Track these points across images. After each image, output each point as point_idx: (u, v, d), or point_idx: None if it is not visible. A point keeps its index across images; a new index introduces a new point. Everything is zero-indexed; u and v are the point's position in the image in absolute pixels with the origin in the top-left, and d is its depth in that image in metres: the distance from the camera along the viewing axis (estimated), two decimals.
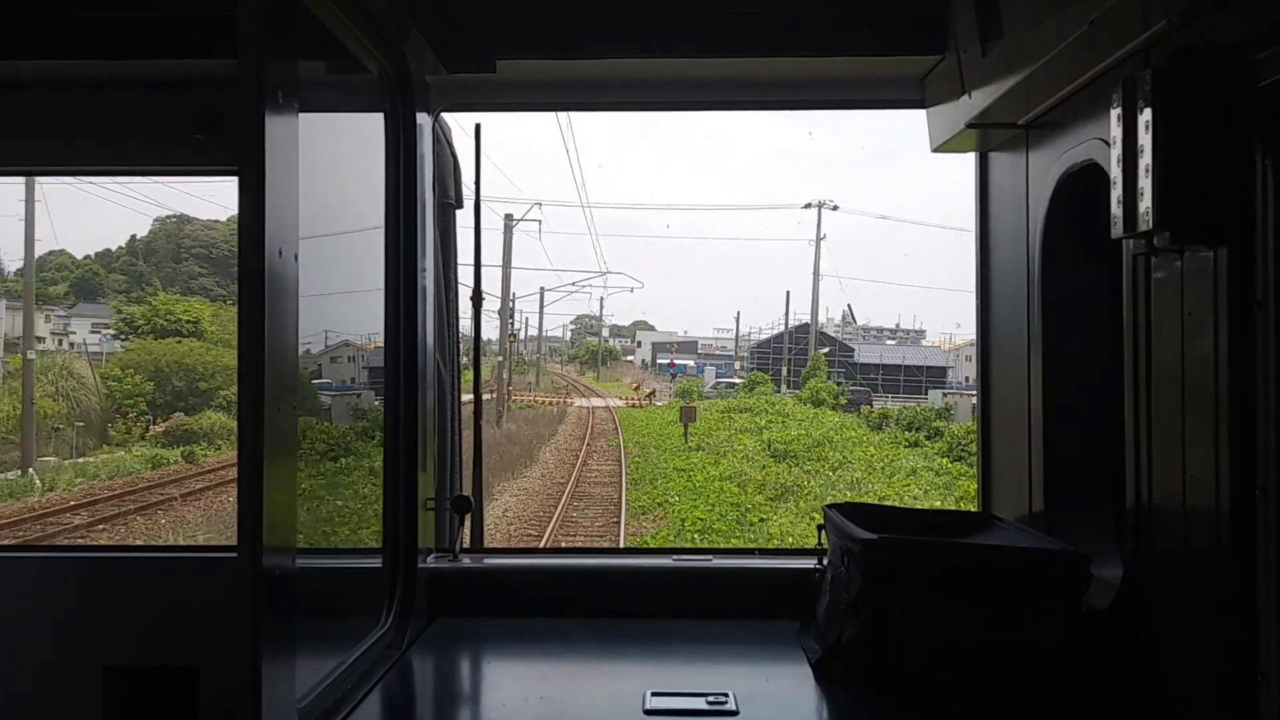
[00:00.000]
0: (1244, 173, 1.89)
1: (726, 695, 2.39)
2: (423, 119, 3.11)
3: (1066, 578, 2.40)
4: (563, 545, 14.76)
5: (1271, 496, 1.85)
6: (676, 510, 18.01)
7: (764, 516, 17.53)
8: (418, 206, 3.01)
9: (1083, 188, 2.56)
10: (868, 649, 2.45)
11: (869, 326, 65.32)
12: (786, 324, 57.56)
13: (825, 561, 2.83)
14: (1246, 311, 1.89)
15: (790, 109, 3.61)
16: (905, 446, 26.95)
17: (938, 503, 18.62)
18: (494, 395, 30.53)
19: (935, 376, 54.94)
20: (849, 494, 19.57)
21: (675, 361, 68.82)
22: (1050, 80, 2.50)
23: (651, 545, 14.12)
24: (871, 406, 42.41)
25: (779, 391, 46.43)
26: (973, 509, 3.35)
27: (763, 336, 61.32)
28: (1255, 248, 1.87)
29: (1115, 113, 2.08)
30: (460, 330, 3.61)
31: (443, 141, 3.36)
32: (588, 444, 27.54)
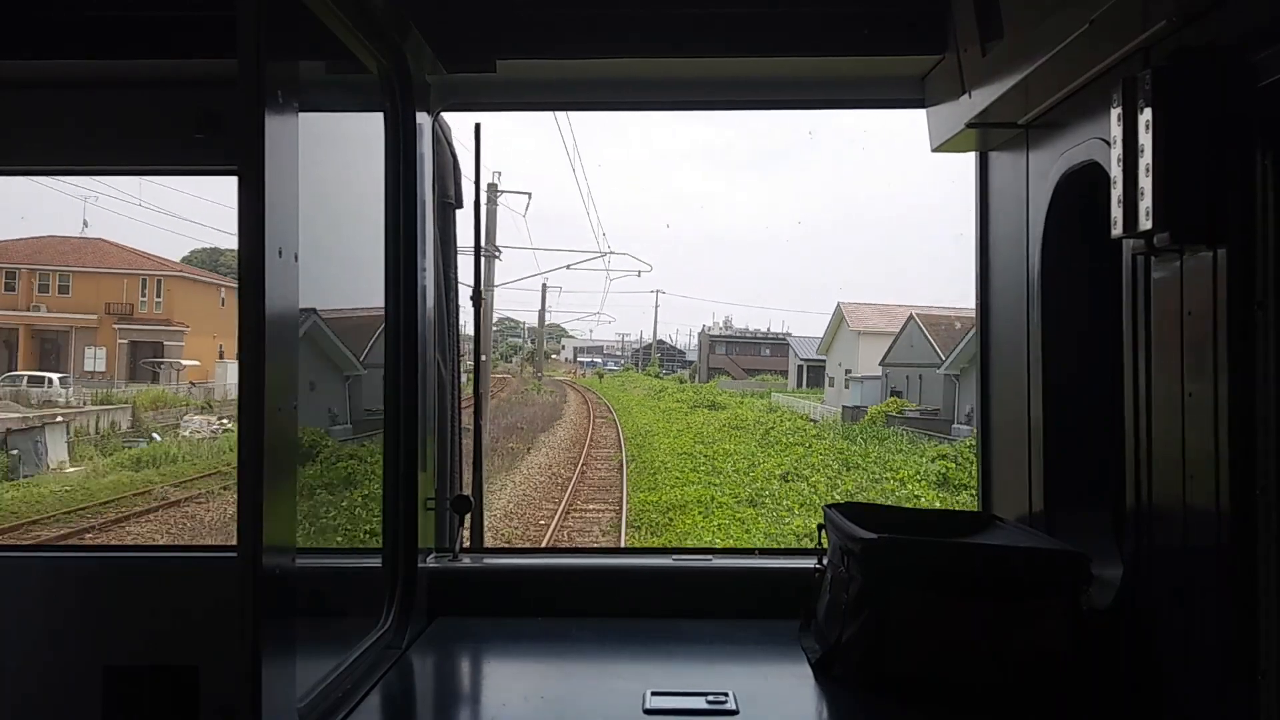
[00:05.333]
0: (1244, 173, 1.89)
1: (726, 695, 2.38)
2: (422, 119, 3.11)
3: (1066, 578, 2.40)
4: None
5: (1271, 496, 1.85)
6: (606, 391, 61.67)
7: (616, 391, 60.08)
8: (417, 206, 3.01)
9: (1083, 188, 2.56)
10: (868, 649, 2.45)
11: (736, 328, 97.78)
12: (640, 344, 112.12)
13: (825, 561, 2.83)
14: (1246, 311, 1.88)
15: (790, 109, 3.60)
16: (650, 378, 76.51)
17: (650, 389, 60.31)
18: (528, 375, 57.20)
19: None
20: (635, 393, 54.95)
21: (593, 360, 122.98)
22: (1050, 80, 2.50)
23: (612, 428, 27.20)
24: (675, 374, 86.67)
25: (636, 371, 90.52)
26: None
27: (636, 346, 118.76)
28: (1255, 248, 1.87)
29: (1115, 112, 2.08)
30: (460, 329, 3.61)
31: (443, 141, 3.35)
32: (578, 388, 65.77)
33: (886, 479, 19.74)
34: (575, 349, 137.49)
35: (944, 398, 34.04)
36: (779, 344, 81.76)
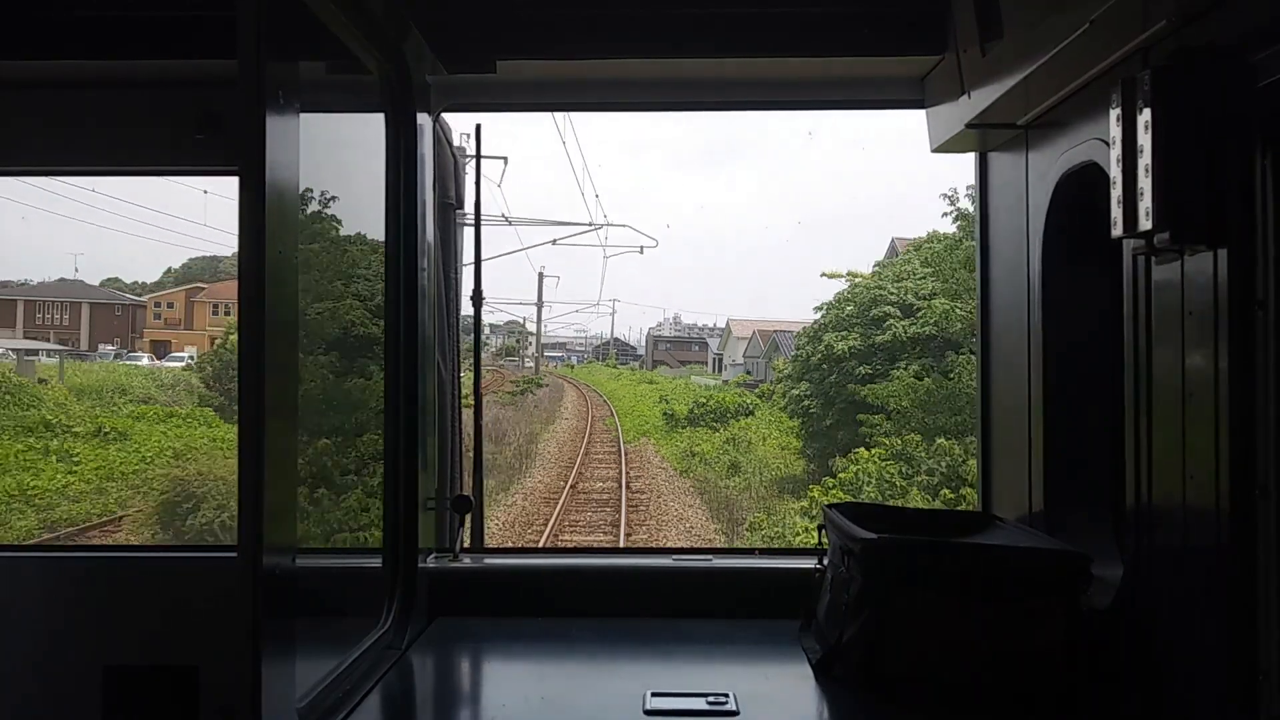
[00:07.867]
0: (1244, 173, 1.89)
1: (726, 695, 2.38)
2: (423, 119, 3.11)
3: (1066, 578, 2.40)
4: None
5: (1271, 496, 1.85)
6: (579, 375, 76.13)
7: (587, 376, 75.12)
8: (418, 207, 3.01)
9: (1083, 188, 2.56)
10: (868, 649, 2.45)
11: (686, 325, 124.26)
12: (601, 340, 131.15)
13: (825, 561, 2.83)
14: (1246, 311, 1.88)
15: (790, 109, 3.61)
16: (610, 368, 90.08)
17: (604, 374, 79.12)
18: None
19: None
20: (605, 380, 66.60)
21: (559, 355, 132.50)
22: (1050, 80, 2.50)
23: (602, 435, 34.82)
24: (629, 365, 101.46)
25: (598, 364, 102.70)
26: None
27: (597, 343, 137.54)
28: (1255, 248, 1.87)
29: (1115, 113, 2.08)
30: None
31: (443, 142, 3.36)
32: (557, 375, 74.86)
33: (707, 400, 38.42)
34: (541, 345, 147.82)
35: (764, 373, 60.86)
36: (703, 342, 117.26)
